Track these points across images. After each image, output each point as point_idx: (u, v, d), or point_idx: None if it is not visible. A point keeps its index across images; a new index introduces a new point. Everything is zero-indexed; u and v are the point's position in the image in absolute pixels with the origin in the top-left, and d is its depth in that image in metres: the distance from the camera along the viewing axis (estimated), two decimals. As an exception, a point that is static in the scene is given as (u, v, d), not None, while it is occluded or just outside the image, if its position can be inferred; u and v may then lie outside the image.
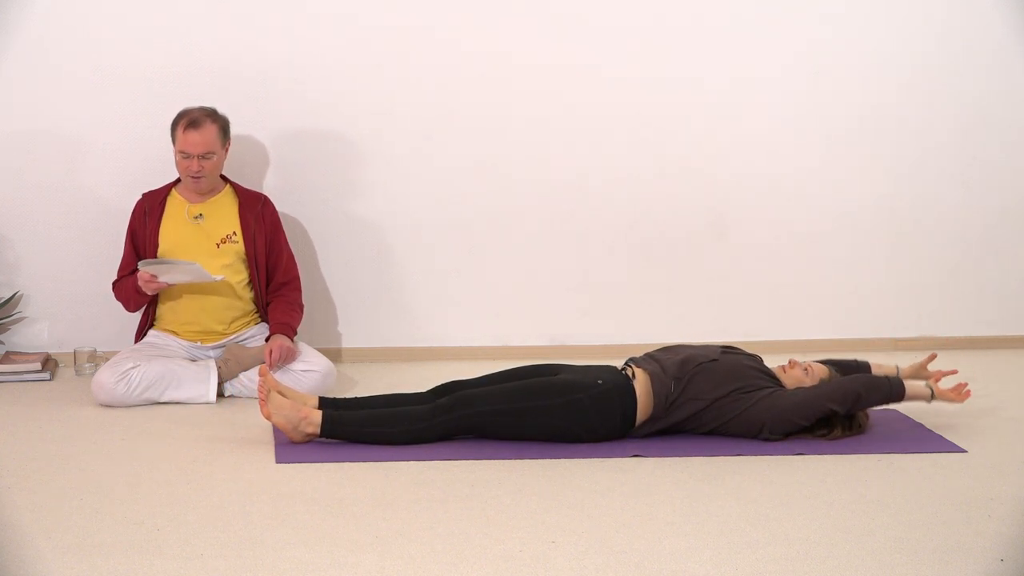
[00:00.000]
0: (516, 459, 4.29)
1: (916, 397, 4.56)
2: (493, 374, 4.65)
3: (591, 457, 4.32)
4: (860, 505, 3.91)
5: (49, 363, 5.44)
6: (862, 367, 4.79)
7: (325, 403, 4.52)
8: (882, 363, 4.88)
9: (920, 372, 4.82)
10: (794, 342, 5.99)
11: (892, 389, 4.49)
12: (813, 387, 4.53)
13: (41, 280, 5.58)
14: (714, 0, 5.79)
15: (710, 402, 4.46)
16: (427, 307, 5.84)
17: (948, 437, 4.60)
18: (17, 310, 5.58)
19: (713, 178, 5.89)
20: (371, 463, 4.23)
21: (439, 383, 4.65)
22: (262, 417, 4.51)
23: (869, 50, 5.90)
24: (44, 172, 5.53)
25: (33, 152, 5.52)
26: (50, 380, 5.34)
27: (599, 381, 4.45)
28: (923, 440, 4.57)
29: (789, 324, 6.02)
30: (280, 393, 4.46)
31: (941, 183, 6.03)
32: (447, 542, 3.58)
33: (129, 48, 5.49)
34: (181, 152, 5.09)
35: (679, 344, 4.75)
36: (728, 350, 4.67)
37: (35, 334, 5.60)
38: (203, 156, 5.09)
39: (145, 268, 5.00)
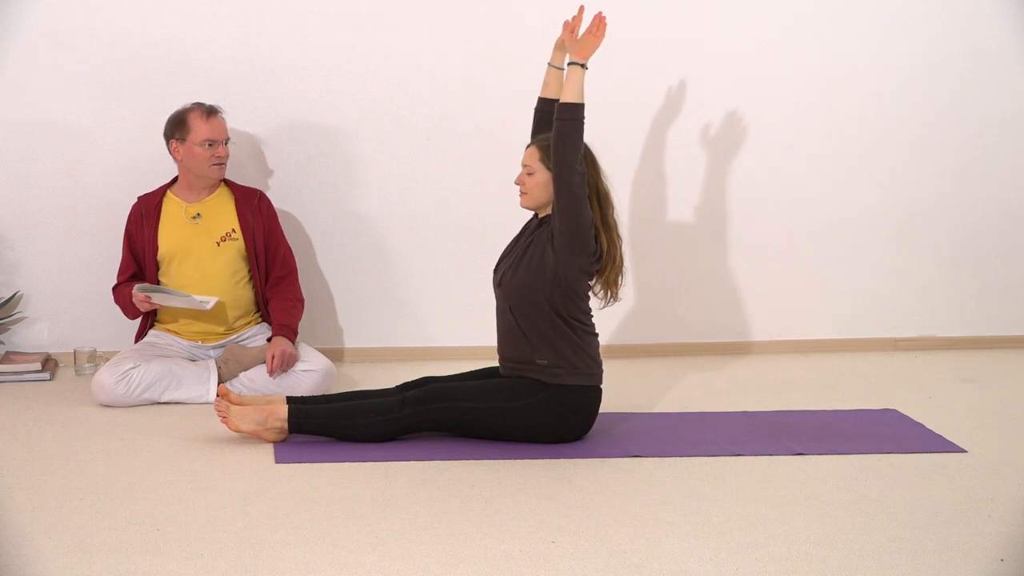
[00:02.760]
0: (516, 459, 4.29)
1: (566, 79, 4.43)
2: (464, 372, 4.66)
3: (591, 457, 4.32)
4: (860, 505, 3.91)
5: (49, 363, 5.44)
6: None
7: (292, 400, 4.52)
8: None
9: (561, 48, 4.64)
10: (794, 342, 5.99)
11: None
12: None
13: (41, 280, 5.58)
14: (713, 0, 5.80)
15: (550, 307, 4.40)
16: (428, 307, 5.84)
17: (948, 437, 4.60)
18: (17, 310, 5.58)
19: (712, 178, 5.89)
20: (371, 463, 4.23)
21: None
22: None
23: (868, 49, 5.90)
24: (44, 172, 5.53)
25: (33, 152, 5.51)
26: (50, 380, 5.34)
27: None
28: (923, 440, 4.57)
29: (789, 324, 6.02)
30: (240, 403, 4.47)
31: (941, 182, 6.03)
32: (447, 542, 3.58)
33: (129, 48, 5.49)
34: (208, 140, 5.10)
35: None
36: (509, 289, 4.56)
37: (35, 334, 5.60)
38: (226, 142, 5.16)
39: (141, 292, 5.01)
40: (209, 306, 5.04)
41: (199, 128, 5.11)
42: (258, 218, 5.24)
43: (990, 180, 6.06)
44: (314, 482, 4.05)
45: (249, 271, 5.23)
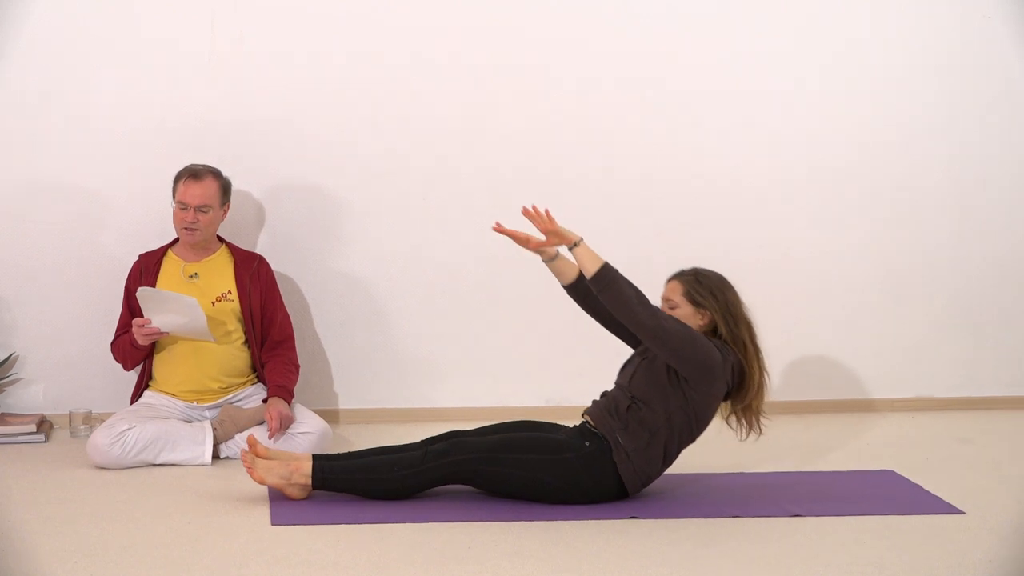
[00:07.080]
0: (513, 521, 4.28)
1: (577, 260, 4.39)
2: (489, 426, 4.66)
3: (588, 519, 4.31)
4: (857, 567, 3.90)
5: (44, 424, 5.43)
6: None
7: (316, 458, 4.52)
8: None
9: (546, 250, 4.56)
10: (787, 403, 5.97)
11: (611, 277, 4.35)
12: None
13: (36, 341, 5.58)
14: (708, 45, 5.83)
15: (666, 419, 4.45)
16: (423, 368, 5.83)
17: (945, 498, 4.59)
18: (12, 371, 5.57)
19: (708, 240, 5.90)
20: (367, 525, 4.22)
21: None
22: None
23: (865, 106, 5.93)
24: (40, 232, 5.54)
25: (29, 212, 5.53)
26: (45, 442, 5.33)
27: (586, 444, 4.45)
28: (920, 501, 4.56)
29: (783, 385, 6.01)
30: (265, 457, 4.48)
31: (937, 241, 6.04)
32: (443, 605, 3.56)
33: (126, 107, 5.52)
34: (179, 203, 5.13)
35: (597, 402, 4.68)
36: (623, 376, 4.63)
37: (30, 395, 5.59)
38: (200, 208, 5.12)
39: (143, 294, 5.00)
40: (204, 323, 5.03)
41: (178, 190, 5.15)
42: (256, 282, 5.25)
43: (986, 238, 6.07)
44: (310, 544, 4.03)
45: (244, 333, 5.23)
